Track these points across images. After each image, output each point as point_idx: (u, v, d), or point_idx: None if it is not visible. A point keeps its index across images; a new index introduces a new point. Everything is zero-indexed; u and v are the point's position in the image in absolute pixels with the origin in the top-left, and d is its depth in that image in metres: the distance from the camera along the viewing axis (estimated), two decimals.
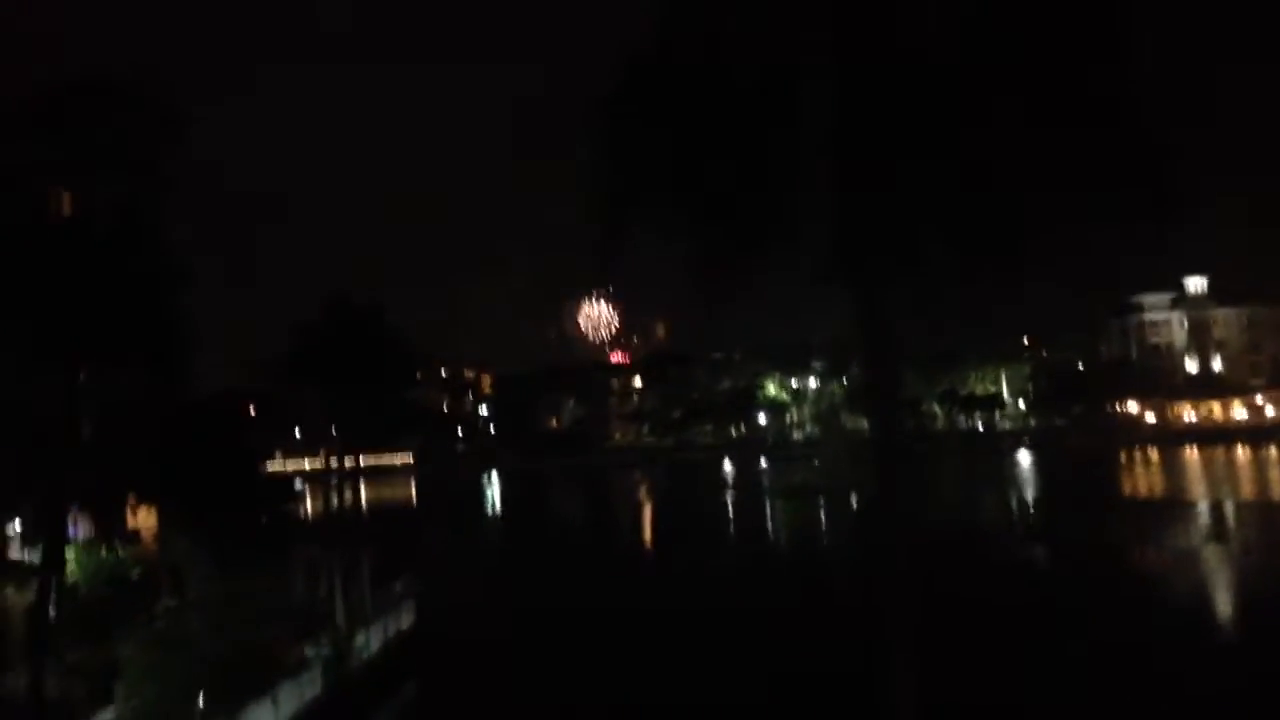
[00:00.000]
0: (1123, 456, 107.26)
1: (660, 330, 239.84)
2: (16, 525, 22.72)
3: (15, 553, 23.03)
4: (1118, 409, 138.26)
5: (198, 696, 20.56)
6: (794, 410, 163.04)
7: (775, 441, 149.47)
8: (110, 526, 24.70)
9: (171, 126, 18.85)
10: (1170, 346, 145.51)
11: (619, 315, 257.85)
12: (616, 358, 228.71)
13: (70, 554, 23.15)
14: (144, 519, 28.07)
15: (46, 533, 18.69)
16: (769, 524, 70.87)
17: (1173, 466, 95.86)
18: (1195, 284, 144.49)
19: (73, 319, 16.81)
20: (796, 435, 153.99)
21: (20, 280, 16.51)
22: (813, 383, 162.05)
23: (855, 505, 70.39)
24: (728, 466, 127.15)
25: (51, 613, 19.17)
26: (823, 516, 69.86)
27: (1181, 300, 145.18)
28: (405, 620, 34.44)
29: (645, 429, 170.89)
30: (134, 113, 18.54)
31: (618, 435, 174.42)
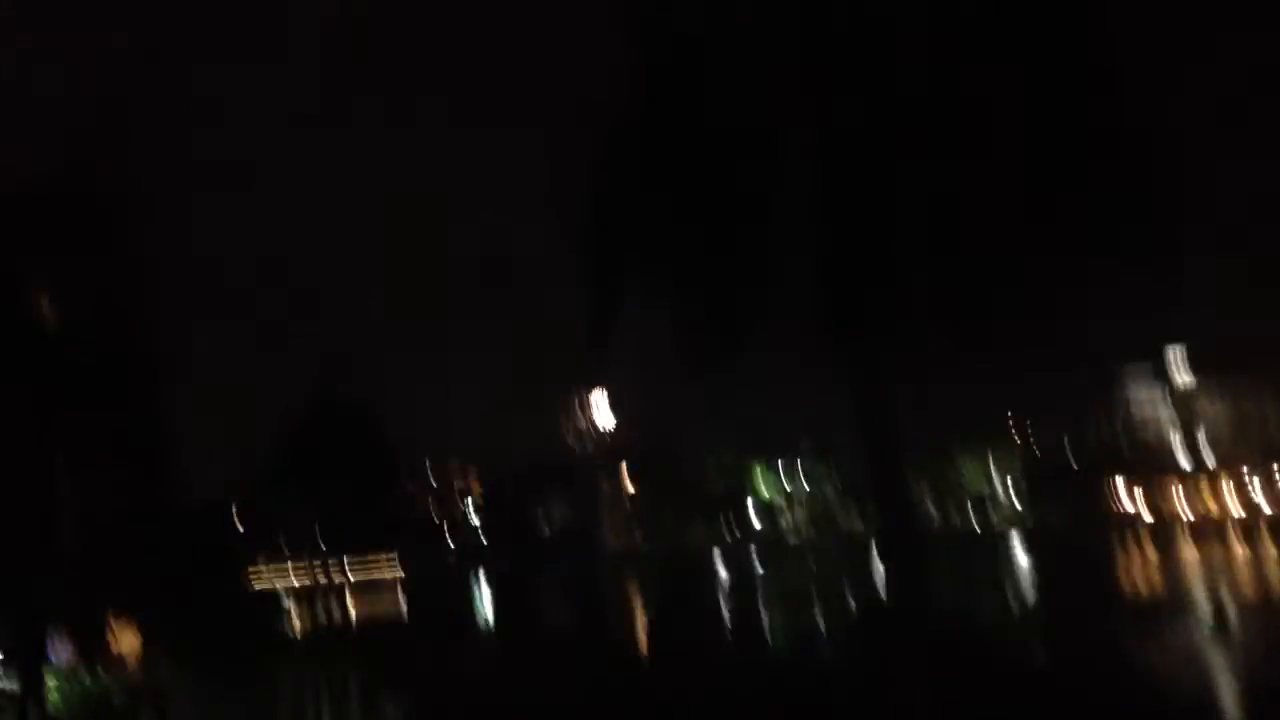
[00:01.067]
0: (1120, 556, 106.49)
1: (649, 424, 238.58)
2: None
3: None
4: (1112, 502, 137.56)
5: None
6: (788, 514, 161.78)
7: (769, 541, 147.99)
8: (93, 651, 23.85)
9: (129, 221, 18.56)
10: (1157, 424, 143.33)
11: (607, 408, 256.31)
12: (605, 453, 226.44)
13: (51, 682, 22.24)
14: (127, 641, 27.19)
15: (24, 658, 17.91)
16: (766, 631, 69.38)
17: (1171, 567, 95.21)
18: (1174, 353, 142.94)
19: (48, 422, 16.31)
20: (792, 539, 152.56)
21: None
22: (805, 485, 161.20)
23: (854, 608, 69.01)
24: (722, 571, 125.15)
25: None
26: (820, 622, 68.40)
27: (1162, 371, 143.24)
28: None
29: (638, 531, 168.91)
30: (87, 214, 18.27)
31: (610, 538, 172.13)
